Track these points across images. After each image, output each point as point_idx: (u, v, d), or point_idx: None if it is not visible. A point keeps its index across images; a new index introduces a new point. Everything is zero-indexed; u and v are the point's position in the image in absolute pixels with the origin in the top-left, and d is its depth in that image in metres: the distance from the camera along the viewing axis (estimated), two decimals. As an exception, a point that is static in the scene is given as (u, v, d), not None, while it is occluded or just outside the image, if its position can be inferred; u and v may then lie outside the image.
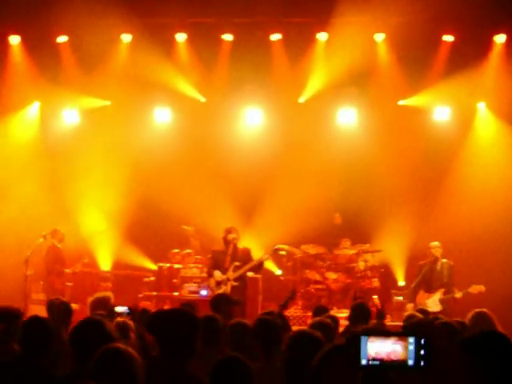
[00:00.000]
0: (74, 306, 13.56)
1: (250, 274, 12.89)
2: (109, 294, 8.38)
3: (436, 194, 15.14)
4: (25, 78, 15.14)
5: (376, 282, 14.44)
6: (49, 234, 13.97)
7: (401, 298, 13.87)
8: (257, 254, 12.70)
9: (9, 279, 13.26)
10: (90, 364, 4.25)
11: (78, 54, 15.03)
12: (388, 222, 14.94)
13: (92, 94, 15.53)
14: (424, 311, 8.59)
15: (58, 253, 14.31)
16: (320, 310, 8.94)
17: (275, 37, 14.87)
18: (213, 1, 14.26)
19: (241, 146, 15.77)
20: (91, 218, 15.65)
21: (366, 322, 7.76)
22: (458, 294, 12.50)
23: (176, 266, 14.75)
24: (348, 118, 15.70)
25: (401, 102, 15.33)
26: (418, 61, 14.58)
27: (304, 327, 5.99)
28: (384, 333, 3.20)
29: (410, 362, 3.12)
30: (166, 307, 13.80)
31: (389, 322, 11.45)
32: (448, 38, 14.51)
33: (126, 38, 15.01)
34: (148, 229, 15.68)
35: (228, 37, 14.93)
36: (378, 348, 3.08)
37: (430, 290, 12.68)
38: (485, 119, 15.34)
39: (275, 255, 14.04)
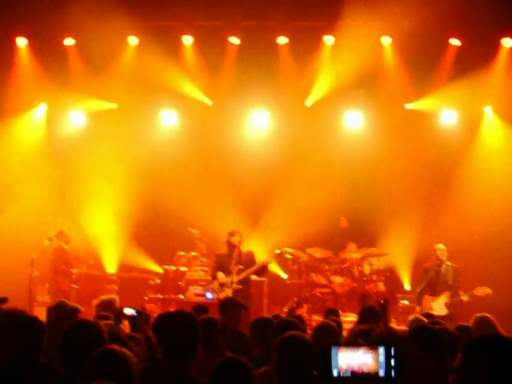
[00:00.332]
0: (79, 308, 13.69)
1: (255, 277, 12.90)
2: (114, 296, 8.38)
3: (442, 197, 15.12)
4: (32, 80, 15.18)
5: (381, 286, 14.40)
6: (55, 236, 14.00)
7: (406, 302, 13.85)
8: (261, 257, 12.70)
9: (14, 281, 13.26)
10: (86, 365, 4.25)
11: (85, 57, 15.06)
12: (394, 225, 14.90)
13: (99, 96, 15.55)
14: (429, 315, 8.57)
15: (64, 255, 14.33)
16: (330, 313, 8.95)
17: (282, 40, 14.87)
18: (220, 4, 14.25)
19: (247, 148, 15.77)
20: (97, 219, 15.65)
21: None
22: (465, 297, 12.44)
23: (182, 268, 14.75)
24: (354, 121, 15.70)
25: (407, 106, 15.32)
26: (425, 64, 14.57)
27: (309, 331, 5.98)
28: (354, 344, 3.20)
29: (381, 373, 3.11)
30: (172, 310, 13.85)
31: (394, 325, 11.42)
32: (455, 42, 14.49)
33: (133, 40, 15.05)
34: (154, 231, 15.69)
35: (235, 40, 14.95)
36: (348, 359, 3.07)
37: (435, 293, 12.63)
38: (491, 123, 15.30)
39: (280, 258, 14.06)
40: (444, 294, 12.54)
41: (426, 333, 5.08)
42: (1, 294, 7.78)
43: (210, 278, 13.31)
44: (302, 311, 13.89)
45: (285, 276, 15.24)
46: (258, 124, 15.89)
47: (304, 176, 15.19)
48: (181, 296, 14.25)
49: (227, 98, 15.52)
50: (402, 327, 8.07)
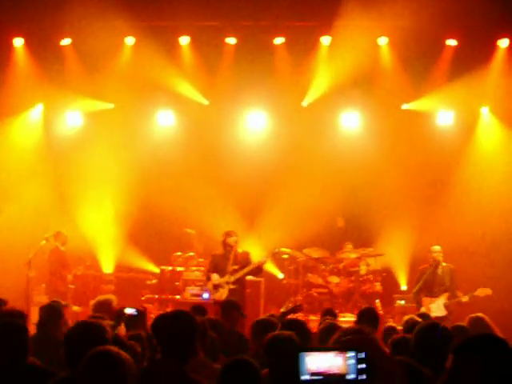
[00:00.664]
0: (76, 308, 13.74)
1: (250, 277, 12.88)
2: (111, 296, 8.40)
3: (439, 197, 15.13)
4: (28, 80, 15.16)
5: (378, 286, 14.43)
6: (52, 237, 13.97)
7: (403, 303, 13.86)
8: (256, 257, 12.70)
9: (11, 281, 13.25)
10: (80, 366, 4.21)
11: (82, 57, 15.04)
12: (390, 225, 14.90)
13: (95, 96, 15.53)
14: (425, 315, 8.57)
15: (61, 255, 14.30)
16: (327, 314, 8.95)
17: (279, 40, 14.89)
18: (216, 4, 14.25)
19: (244, 148, 15.78)
20: (94, 220, 15.65)
21: (374, 326, 7.73)
22: (465, 298, 12.41)
23: (178, 268, 14.76)
24: (351, 121, 15.71)
25: (404, 106, 15.33)
26: (422, 65, 14.59)
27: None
28: (323, 348, 3.20)
29: (351, 376, 3.11)
30: (169, 310, 13.85)
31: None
32: (451, 42, 14.52)
33: (130, 40, 15.04)
34: (151, 231, 15.68)
35: (231, 40, 14.96)
36: (318, 363, 3.06)
37: (432, 294, 12.62)
38: (488, 123, 15.32)
39: (276, 258, 14.07)
40: (442, 296, 12.53)
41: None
42: (-2, 294, 7.80)
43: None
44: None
45: (281, 276, 15.23)
46: (254, 124, 15.89)
47: (301, 176, 15.18)
48: (177, 296, 14.24)
49: (224, 98, 15.52)
50: (400, 327, 8.06)
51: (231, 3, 14.22)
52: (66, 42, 14.99)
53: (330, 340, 6.53)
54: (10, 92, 15.15)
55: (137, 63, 15.02)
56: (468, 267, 13.60)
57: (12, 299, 9.61)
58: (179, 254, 15.10)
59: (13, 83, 15.16)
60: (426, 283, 12.70)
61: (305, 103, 15.48)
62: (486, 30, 13.99)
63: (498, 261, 14.28)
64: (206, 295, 13.04)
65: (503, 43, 14.47)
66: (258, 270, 12.60)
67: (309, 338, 6.52)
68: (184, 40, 15.02)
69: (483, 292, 12.39)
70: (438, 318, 11.47)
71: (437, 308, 12.40)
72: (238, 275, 12.24)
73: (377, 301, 14.04)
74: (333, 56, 14.74)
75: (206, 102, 15.67)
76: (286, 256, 14.68)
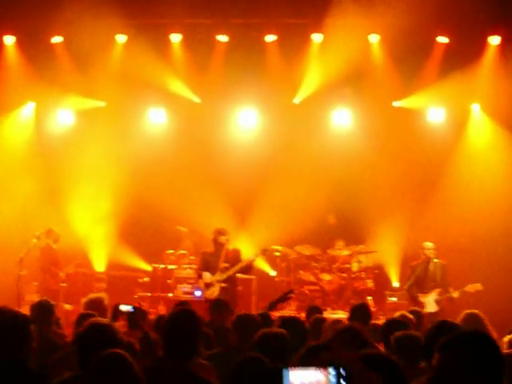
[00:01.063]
0: (68, 306, 13.72)
1: (240, 275, 12.87)
2: (103, 294, 8.40)
3: (430, 194, 15.15)
4: (19, 79, 15.11)
5: (370, 283, 14.47)
6: (43, 234, 13.94)
7: (395, 299, 13.90)
8: (247, 255, 12.70)
9: (2, 280, 13.24)
10: (87, 370, 4.20)
11: (73, 55, 15.00)
12: (382, 222, 14.93)
13: (87, 94, 15.51)
14: (416, 312, 8.59)
15: (53, 253, 14.27)
16: (313, 310, 8.97)
17: (270, 38, 14.89)
18: (208, 2, 14.25)
19: (235, 146, 15.78)
20: (85, 218, 15.63)
21: (366, 322, 7.75)
22: (455, 294, 12.48)
23: (170, 266, 14.75)
24: (343, 118, 15.73)
25: (395, 103, 15.36)
26: (413, 62, 14.61)
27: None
28: (306, 364, 3.19)
29: None
30: (161, 308, 13.85)
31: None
32: (442, 40, 14.54)
33: (121, 38, 15.00)
34: (142, 229, 15.65)
35: (223, 38, 14.94)
36: (301, 379, 3.06)
37: (423, 290, 12.67)
38: (479, 120, 15.37)
39: (268, 256, 14.08)
40: (434, 291, 12.58)
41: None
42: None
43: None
44: (291, 309, 13.93)
45: (273, 273, 15.24)
46: (246, 121, 15.90)
47: (292, 173, 15.20)
48: (170, 294, 14.24)
49: (215, 95, 15.51)
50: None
51: (223, 1, 14.23)
52: (57, 39, 14.94)
53: (321, 334, 6.58)
54: (0, 90, 15.12)
55: (128, 61, 14.98)
56: (458, 263, 13.63)
57: (3, 297, 9.62)
58: (171, 251, 15.09)
59: (4, 81, 15.13)
60: (418, 279, 12.75)
61: (296, 101, 15.49)
62: (477, 27, 14.03)
63: (489, 257, 14.32)
64: (197, 293, 13.03)
65: (494, 40, 14.49)
66: (248, 269, 12.59)
67: (306, 336, 6.53)
68: (175, 38, 15.00)
69: (473, 287, 12.47)
70: (429, 313, 11.52)
71: (428, 304, 12.45)
72: (228, 273, 12.25)
73: (369, 298, 14.06)
74: (324, 53, 14.75)
75: (197, 99, 15.66)
76: (277, 253, 14.70)
